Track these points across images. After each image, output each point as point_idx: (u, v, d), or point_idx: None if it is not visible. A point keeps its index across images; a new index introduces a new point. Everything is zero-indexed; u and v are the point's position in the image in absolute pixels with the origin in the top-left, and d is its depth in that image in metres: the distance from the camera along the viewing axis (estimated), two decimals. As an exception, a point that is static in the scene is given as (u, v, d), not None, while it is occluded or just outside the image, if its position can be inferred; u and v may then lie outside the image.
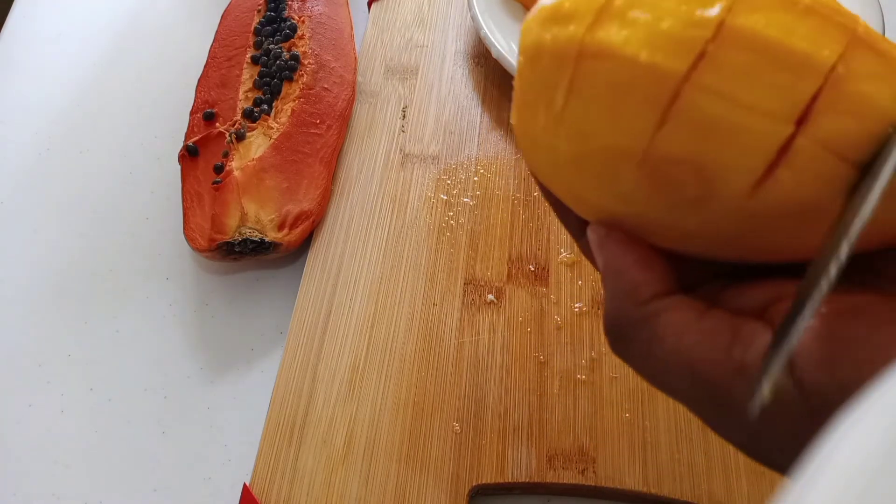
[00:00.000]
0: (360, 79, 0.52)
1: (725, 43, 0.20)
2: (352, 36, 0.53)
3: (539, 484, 0.37)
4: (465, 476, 0.36)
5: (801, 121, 0.19)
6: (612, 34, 0.21)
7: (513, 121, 0.25)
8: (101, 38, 0.57)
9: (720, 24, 0.20)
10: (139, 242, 0.46)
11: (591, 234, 0.24)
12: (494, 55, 0.51)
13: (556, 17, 0.22)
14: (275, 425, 0.38)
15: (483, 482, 0.36)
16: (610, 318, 0.23)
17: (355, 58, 0.51)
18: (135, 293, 0.44)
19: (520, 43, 0.24)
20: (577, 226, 0.27)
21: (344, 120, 0.48)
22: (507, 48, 0.50)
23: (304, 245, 0.44)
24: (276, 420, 0.38)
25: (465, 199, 0.46)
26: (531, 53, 0.23)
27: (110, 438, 0.39)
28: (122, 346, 0.42)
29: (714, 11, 0.20)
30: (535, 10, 0.24)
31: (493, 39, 0.51)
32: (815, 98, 0.19)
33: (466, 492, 0.36)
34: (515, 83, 0.24)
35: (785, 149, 0.19)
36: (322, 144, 0.46)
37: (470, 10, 0.53)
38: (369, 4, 0.57)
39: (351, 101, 0.49)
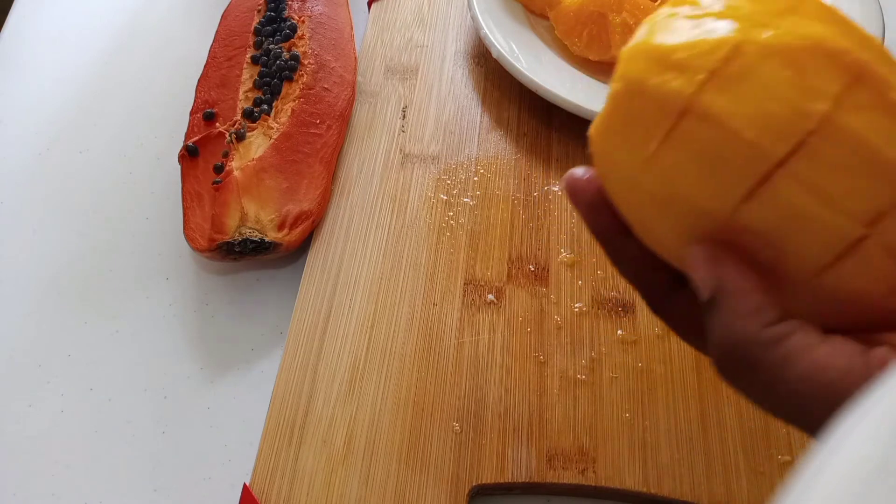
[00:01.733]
0: (360, 79, 0.52)
1: (826, 137, 0.20)
2: (352, 36, 0.53)
3: (539, 484, 0.37)
4: (465, 476, 0.36)
5: (873, 222, 0.21)
6: (722, 102, 0.21)
7: (593, 132, 0.25)
8: (101, 38, 0.57)
9: (825, 118, 0.20)
10: (139, 242, 0.46)
11: (703, 251, 0.23)
12: (494, 55, 0.51)
13: (666, 62, 0.22)
14: (275, 425, 0.38)
15: (483, 482, 0.36)
16: (730, 342, 0.22)
17: (355, 58, 0.51)
18: (135, 293, 0.44)
19: (620, 68, 0.24)
20: (632, 254, 0.26)
21: (344, 120, 0.48)
22: (507, 48, 0.50)
23: (304, 245, 0.44)
24: (276, 420, 0.38)
25: (465, 199, 0.46)
26: (633, 89, 0.23)
27: (110, 438, 0.39)
28: (122, 346, 0.42)
29: (823, 105, 0.20)
30: (642, 36, 0.24)
31: (493, 39, 0.51)
32: (893, 206, 0.21)
33: (466, 492, 0.36)
34: (608, 101, 0.24)
35: (853, 246, 0.21)
36: (322, 144, 0.46)
37: (470, 10, 0.53)
38: (369, 4, 0.57)
39: (351, 101, 0.49)
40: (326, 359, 0.40)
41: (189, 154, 0.45)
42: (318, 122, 0.47)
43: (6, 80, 0.55)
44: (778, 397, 0.22)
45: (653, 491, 0.36)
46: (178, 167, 0.45)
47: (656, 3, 0.52)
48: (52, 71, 0.55)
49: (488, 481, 0.36)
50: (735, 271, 0.22)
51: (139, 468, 0.38)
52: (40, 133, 0.51)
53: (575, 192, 0.26)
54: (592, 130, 0.25)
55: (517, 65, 0.49)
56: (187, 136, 0.46)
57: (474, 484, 0.36)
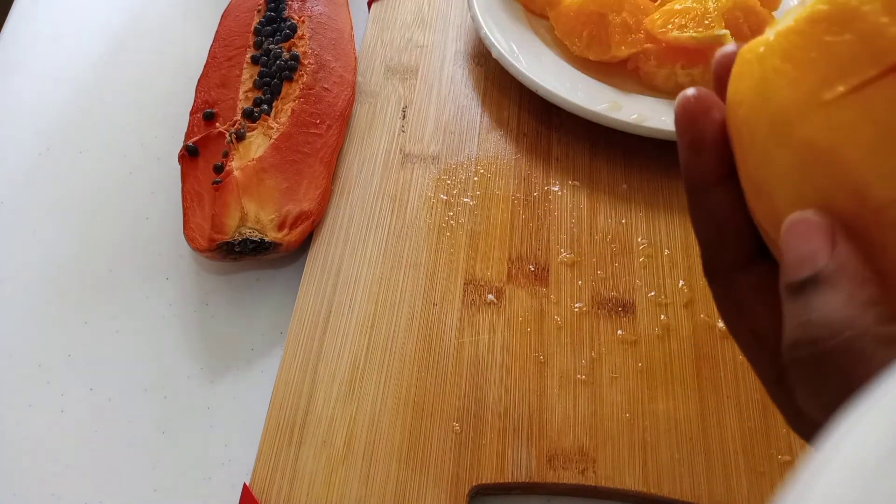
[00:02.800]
0: (360, 79, 0.52)
1: None
2: (352, 36, 0.53)
3: (539, 484, 0.37)
4: (465, 476, 0.36)
5: None
6: None
7: (747, 52, 0.21)
8: (101, 39, 0.57)
9: None
10: (139, 242, 0.46)
11: (825, 222, 0.19)
12: (494, 55, 0.51)
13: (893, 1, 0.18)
14: (275, 425, 0.38)
15: (483, 482, 0.36)
16: (830, 330, 0.19)
17: (355, 58, 0.51)
18: (135, 293, 0.44)
19: None
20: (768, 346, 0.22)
21: (344, 120, 0.48)
22: (507, 48, 0.50)
23: (304, 245, 0.44)
24: (276, 420, 0.38)
25: (465, 199, 0.46)
26: (842, 16, 0.18)
27: (110, 438, 0.39)
28: (122, 346, 0.42)
29: None
30: None
31: (493, 39, 0.51)
32: None
33: (466, 492, 0.36)
34: (794, 21, 0.20)
35: None
36: (322, 144, 0.46)
37: (470, 10, 0.53)
38: (369, 4, 0.57)
39: (351, 101, 0.49)
40: (326, 359, 0.40)
41: (189, 154, 0.45)
42: (318, 122, 0.47)
43: (6, 80, 0.55)
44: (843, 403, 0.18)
45: (653, 491, 0.36)
46: (178, 167, 0.45)
47: (656, 3, 0.52)
48: (51, 71, 0.55)
49: (488, 481, 0.36)
50: (853, 255, 0.19)
51: (139, 468, 0.38)
52: (40, 133, 0.51)
53: (689, 119, 0.22)
54: (747, 49, 0.21)
55: (517, 65, 0.49)
56: (187, 136, 0.46)
57: (474, 484, 0.36)
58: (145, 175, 0.49)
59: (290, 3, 0.52)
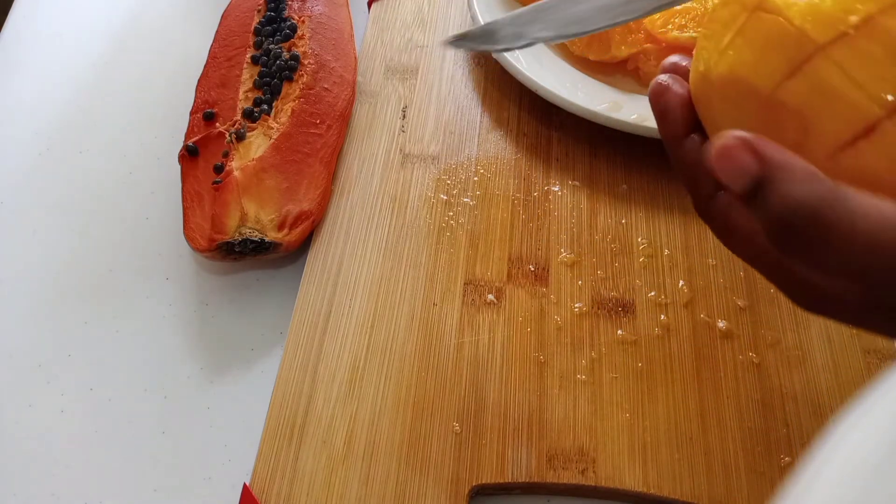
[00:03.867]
0: (360, 79, 0.52)
1: (866, 33, 0.24)
2: (352, 36, 0.53)
3: (539, 484, 0.37)
4: (465, 476, 0.36)
5: (894, 110, 0.23)
6: (784, 1, 0.26)
7: (697, 36, 0.32)
8: (101, 38, 0.57)
9: (870, 18, 0.24)
10: (139, 242, 0.46)
11: (744, 135, 0.24)
12: (494, 55, 0.50)
13: None
14: (275, 425, 0.38)
15: (483, 482, 0.36)
16: (792, 207, 0.23)
17: (355, 58, 0.51)
18: (135, 293, 0.44)
19: None
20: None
21: (344, 120, 0.48)
22: (507, 48, 0.50)
23: (304, 245, 0.44)
24: (276, 420, 0.38)
25: (465, 199, 0.46)
26: None
27: (110, 438, 0.39)
28: (122, 346, 0.42)
29: (870, 7, 0.24)
30: None
31: (493, 39, 0.51)
32: None
33: (466, 492, 0.36)
34: (708, 14, 0.29)
35: (873, 127, 0.24)
36: (322, 144, 0.46)
37: (470, 10, 0.53)
38: (369, 4, 0.57)
39: (351, 101, 0.49)
40: (326, 359, 0.40)
41: (189, 154, 0.45)
42: (318, 122, 0.47)
43: (6, 80, 0.55)
44: (846, 257, 0.23)
45: (653, 491, 0.36)
46: (178, 167, 0.45)
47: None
48: (51, 71, 0.55)
49: (488, 481, 0.36)
50: (778, 148, 0.24)
51: (139, 468, 0.38)
52: (40, 133, 0.51)
53: (657, 95, 0.30)
54: (698, 37, 0.30)
55: (517, 65, 0.49)
56: (187, 136, 0.46)
57: (474, 484, 0.36)
58: (145, 175, 0.49)
59: (290, 3, 0.52)
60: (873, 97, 0.24)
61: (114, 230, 0.47)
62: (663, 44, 0.50)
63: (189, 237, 0.43)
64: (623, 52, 0.50)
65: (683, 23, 0.49)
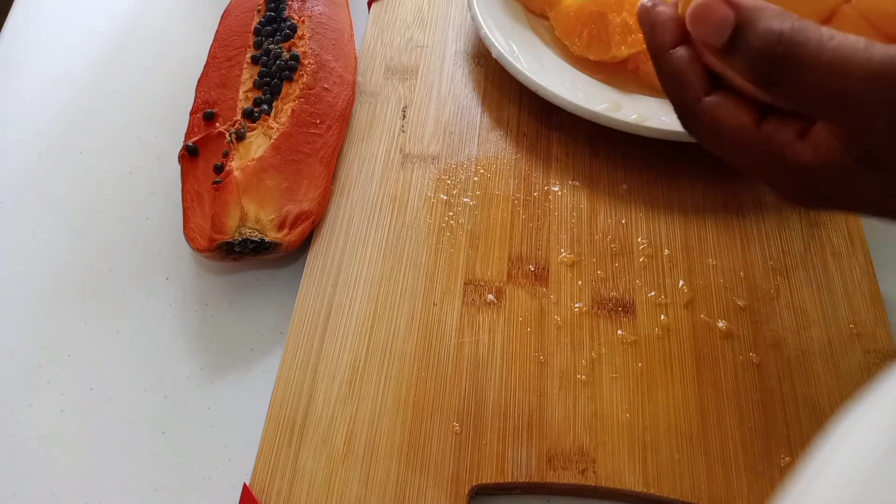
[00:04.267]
0: (360, 79, 0.52)
1: None
2: (352, 36, 0.53)
3: (539, 484, 0.37)
4: (465, 476, 0.36)
5: None
6: None
7: None
8: (101, 38, 0.57)
9: None
10: (139, 242, 0.46)
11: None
12: (494, 55, 0.50)
13: None
14: (275, 425, 0.38)
15: (483, 482, 0.36)
16: (770, 39, 0.27)
17: (355, 58, 0.51)
18: (135, 293, 0.44)
19: None
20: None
21: (344, 120, 0.48)
22: (507, 48, 0.50)
23: (304, 245, 0.44)
24: (276, 420, 0.38)
25: (465, 199, 0.46)
26: None
27: (110, 438, 0.39)
28: (122, 346, 0.42)
29: None
30: None
31: (493, 39, 0.51)
32: None
33: (466, 492, 0.36)
34: None
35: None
36: (322, 144, 0.46)
37: (470, 10, 0.53)
38: (369, 4, 0.57)
39: (351, 101, 0.49)
40: (326, 359, 0.40)
41: (189, 154, 0.45)
42: (318, 122, 0.47)
43: (6, 80, 0.55)
44: (820, 77, 0.26)
45: (653, 491, 0.36)
46: (178, 167, 0.45)
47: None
48: (52, 71, 0.55)
49: (488, 481, 0.36)
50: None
51: (139, 468, 0.38)
52: (40, 133, 0.51)
53: (645, 13, 0.33)
54: None
55: (517, 65, 0.49)
56: (187, 136, 0.46)
57: (474, 484, 0.36)
58: (145, 175, 0.49)
59: (290, 3, 0.52)
60: None
61: (114, 230, 0.47)
62: (663, 44, 0.50)
63: (189, 237, 0.43)
64: (623, 52, 0.50)
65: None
